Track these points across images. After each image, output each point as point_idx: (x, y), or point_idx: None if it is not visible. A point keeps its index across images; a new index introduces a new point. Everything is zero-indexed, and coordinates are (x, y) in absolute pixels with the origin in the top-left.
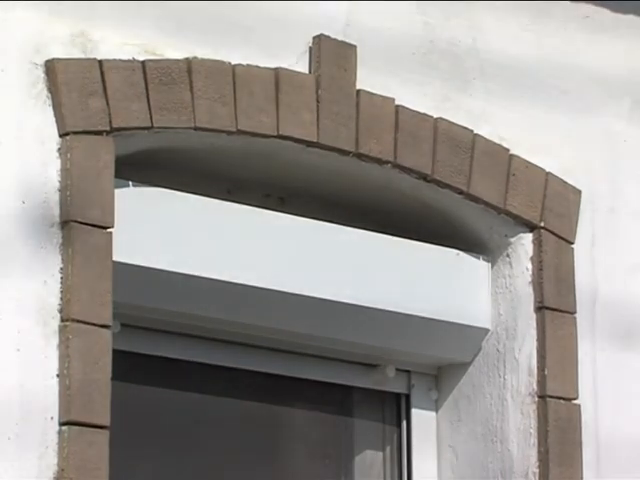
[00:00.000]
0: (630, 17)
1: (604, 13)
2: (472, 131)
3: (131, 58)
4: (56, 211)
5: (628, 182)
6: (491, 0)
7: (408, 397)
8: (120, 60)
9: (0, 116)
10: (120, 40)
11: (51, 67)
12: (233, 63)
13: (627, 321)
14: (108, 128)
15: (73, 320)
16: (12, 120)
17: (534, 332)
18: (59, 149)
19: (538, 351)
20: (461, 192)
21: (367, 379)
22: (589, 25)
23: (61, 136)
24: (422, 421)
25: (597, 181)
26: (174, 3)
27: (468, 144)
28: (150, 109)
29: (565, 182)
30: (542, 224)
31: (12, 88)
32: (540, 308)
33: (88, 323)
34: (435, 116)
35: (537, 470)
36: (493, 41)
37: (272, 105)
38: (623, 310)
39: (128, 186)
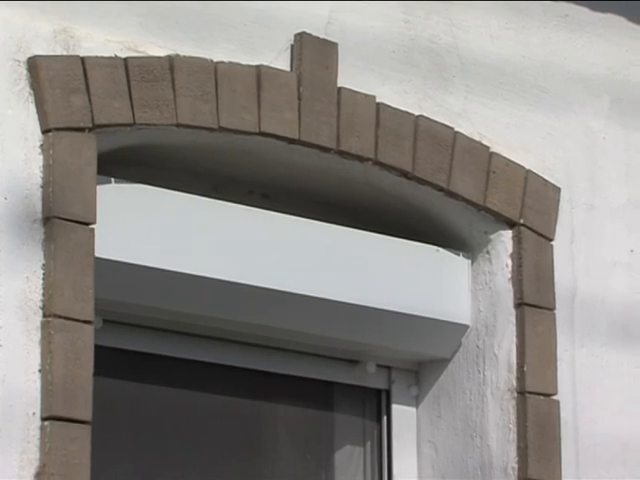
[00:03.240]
0: (609, 15)
1: (583, 12)
2: (453, 129)
3: (113, 55)
4: (38, 207)
5: (607, 180)
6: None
7: (388, 393)
8: (102, 57)
9: None
10: (103, 37)
11: (34, 64)
12: (215, 60)
13: (606, 318)
14: (90, 125)
15: (55, 316)
16: None
17: (513, 328)
18: (41, 145)
19: (517, 347)
20: (441, 189)
21: (348, 375)
22: (568, 24)
23: (43, 133)
24: (402, 417)
25: (576, 179)
26: (156, 1)
27: (449, 142)
28: (132, 106)
29: (545, 180)
30: (522, 221)
31: None
32: (519, 304)
33: (70, 319)
34: (416, 114)
35: (516, 465)
36: (473, 39)
37: (254, 102)
38: (602, 307)
39: (110, 182)
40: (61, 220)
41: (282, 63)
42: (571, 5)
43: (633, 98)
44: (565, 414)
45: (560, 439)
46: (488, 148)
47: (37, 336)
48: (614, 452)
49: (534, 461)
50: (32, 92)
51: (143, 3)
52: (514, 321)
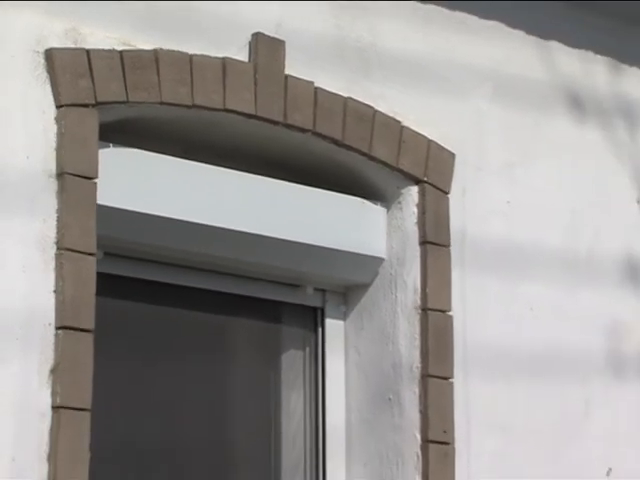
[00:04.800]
0: (493, 22)
1: (474, 19)
2: (373, 108)
3: (112, 48)
4: (53, 165)
5: (490, 147)
6: (387, 0)
7: (323, 310)
8: (103, 50)
9: (10, 92)
10: (103, 34)
11: (49, 55)
12: (190, 53)
13: (488, 253)
14: (94, 102)
15: (66, 249)
16: (19, 95)
17: (418, 261)
18: (56, 118)
19: (421, 275)
20: (364, 154)
21: (292, 296)
22: (463, 28)
23: (57, 108)
24: (333, 328)
25: (467, 147)
26: (146, 6)
27: (370, 117)
28: (126, 88)
29: (443, 147)
30: (425, 179)
31: (19, 70)
32: (423, 242)
33: (77, 252)
34: (345, 96)
35: (420, 365)
36: (389, 40)
37: (220, 86)
38: (485, 244)
39: (109, 147)
40: (70, 175)
41: (242, 56)
42: (466, 14)
43: (510, 85)
44: (457, 326)
45: (453, 345)
46: (400, 123)
47: (52, 265)
48: (493, 354)
49: (433, 362)
50: (48, 76)
51: (135, 8)
52: (419, 255)
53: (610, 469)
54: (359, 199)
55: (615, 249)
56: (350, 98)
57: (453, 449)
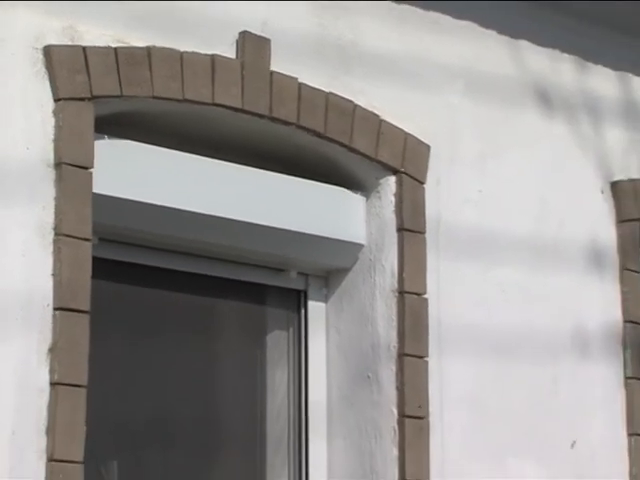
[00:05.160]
0: (466, 22)
1: (448, 19)
2: (353, 102)
3: (107, 45)
4: (51, 155)
5: (462, 140)
6: None
7: (306, 293)
8: (98, 47)
9: (11, 86)
10: (99, 32)
11: (48, 51)
12: (181, 50)
13: (461, 239)
14: (90, 96)
15: (63, 235)
16: (19, 89)
17: (396, 246)
18: (54, 111)
19: (398, 260)
20: (345, 146)
21: (277, 280)
22: (437, 28)
23: (55, 101)
24: (316, 310)
25: (441, 139)
26: (139, 5)
27: (350, 111)
28: (120, 83)
29: (419, 140)
30: (402, 170)
31: (20, 66)
32: (400, 229)
33: (74, 237)
34: (327, 91)
35: (397, 345)
36: (369, 38)
37: (209, 81)
38: (459, 231)
39: (104, 139)
40: (68, 165)
41: (230, 53)
42: (439, 14)
43: (481, 81)
44: (431, 308)
45: (427, 326)
46: (378, 117)
47: (50, 249)
48: (467, 335)
49: (409, 341)
50: (46, 72)
51: (129, 8)
52: (396, 241)
53: (574, 441)
54: (340, 188)
55: (580, 236)
56: (332, 93)
57: (428, 423)
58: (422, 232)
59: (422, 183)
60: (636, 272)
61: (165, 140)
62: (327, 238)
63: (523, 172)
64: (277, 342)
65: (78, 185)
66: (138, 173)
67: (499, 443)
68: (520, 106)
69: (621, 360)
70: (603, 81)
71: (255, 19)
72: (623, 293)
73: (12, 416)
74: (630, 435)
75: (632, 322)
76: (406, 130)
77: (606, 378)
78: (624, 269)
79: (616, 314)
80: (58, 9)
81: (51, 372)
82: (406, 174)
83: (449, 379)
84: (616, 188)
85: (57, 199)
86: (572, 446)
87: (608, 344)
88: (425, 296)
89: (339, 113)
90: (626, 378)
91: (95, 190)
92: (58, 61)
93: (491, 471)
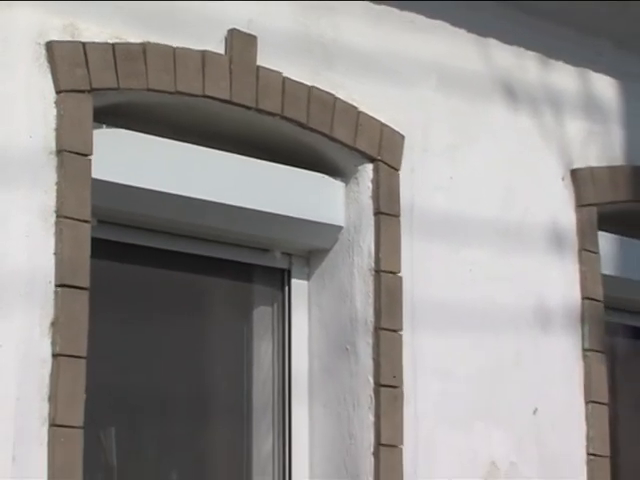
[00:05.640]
0: (438, 21)
1: (422, 19)
2: (334, 95)
3: (105, 41)
4: (53, 143)
5: (435, 131)
6: None
7: (289, 272)
8: (97, 43)
9: (15, 79)
10: (97, 29)
11: (50, 47)
12: (174, 46)
13: (433, 222)
14: (89, 88)
15: (64, 217)
16: (23, 82)
17: (372, 229)
18: (55, 102)
19: (375, 241)
20: (326, 135)
21: (263, 259)
22: (411, 27)
23: (57, 93)
24: (298, 287)
25: (415, 130)
26: (135, 5)
27: (331, 104)
28: (117, 76)
29: (394, 130)
30: (379, 158)
31: (24, 60)
32: (377, 213)
33: (74, 219)
34: (309, 84)
35: (373, 319)
36: (349, 36)
37: (200, 75)
38: (431, 215)
39: (102, 128)
40: (68, 153)
41: (219, 49)
42: (414, 14)
43: (452, 76)
44: (405, 285)
45: (402, 302)
46: (357, 109)
47: (52, 230)
48: (438, 310)
49: (385, 317)
50: (49, 65)
51: (126, 7)
52: (373, 224)
53: (536, 409)
54: (321, 175)
55: (542, 220)
56: (314, 87)
57: (402, 392)
58: (397, 215)
59: (397, 170)
60: (594, 253)
61: (159, 129)
62: (309, 221)
63: (490, 161)
64: (262, 317)
65: (78, 171)
66: (134, 160)
67: (467, 410)
68: (488, 100)
69: (579, 334)
70: (564, 77)
71: (242, 18)
72: (582, 272)
73: (16, 384)
74: (587, 402)
75: (590, 299)
76: (382, 121)
77: (566, 350)
78: (582, 250)
79: (575, 292)
80: (60, 8)
81: (53, 344)
82: (382, 162)
83: (422, 351)
84: (576, 175)
85: (58, 184)
86: (534, 412)
87: (568, 319)
88: (400, 274)
89: (320, 105)
90: (584, 350)
91: (94, 175)
92: (60, 56)
93: (460, 435)
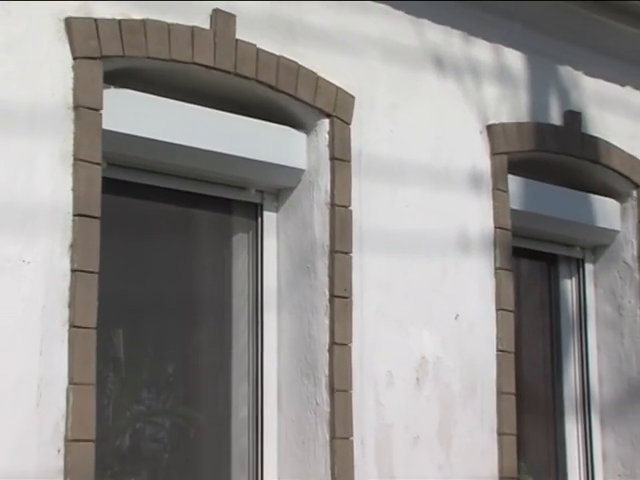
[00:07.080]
0: (383, 5)
1: (371, 3)
2: (297, 63)
3: (113, 18)
4: (70, 100)
5: (380, 93)
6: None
7: (262, 206)
8: (106, 19)
9: (41, 48)
10: (106, 8)
11: (68, 22)
12: (169, 22)
13: (377, 166)
14: (99, 56)
15: (79, 160)
16: (46, 50)
17: (329, 171)
18: (72, 66)
19: (330, 181)
20: (291, 96)
21: (240, 195)
22: (362, 9)
23: (74, 59)
24: (269, 219)
25: (363, 92)
26: None
27: (295, 70)
28: (123, 46)
29: (346, 92)
30: (334, 114)
31: (46, 33)
32: (332, 158)
33: (88, 162)
34: (278, 54)
35: (328, 243)
36: (313, 17)
37: (189, 45)
38: (375, 161)
39: (110, 88)
40: (83, 108)
41: (205, 25)
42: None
43: (392, 50)
44: (355, 217)
45: (352, 230)
46: (316, 74)
47: (70, 171)
48: (381, 237)
49: (338, 242)
50: (67, 37)
51: None
52: (329, 167)
53: (458, 315)
54: (287, 127)
55: (464, 165)
56: (282, 56)
57: (351, 302)
58: (348, 161)
59: (349, 124)
60: (504, 192)
61: (156, 90)
62: (278, 165)
63: (423, 117)
64: (240, 242)
65: (91, 123)
66: (136, 114)
67: (403, 315)
68: (421, 68)
69: (492, 256)
70: (482, 51)
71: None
72: (494, 207)
73: (43, 294)
74: (497, 310)
75: (500, 228)
76: (337, 85)
77: (481, 268)
78: (495, 189)
79: (489, 222)
80: None
81: (72, 262)
82: (337, 117)
83: (367, 269)
84: (490, 130)
85: (75, 133)
86: (456, 318)
87: (483, 244)
88: (350, 208)
89: (287, 72)
90: (495, 269)
91: (104, 127)
92: (76, 29)
93: (397, 336)
